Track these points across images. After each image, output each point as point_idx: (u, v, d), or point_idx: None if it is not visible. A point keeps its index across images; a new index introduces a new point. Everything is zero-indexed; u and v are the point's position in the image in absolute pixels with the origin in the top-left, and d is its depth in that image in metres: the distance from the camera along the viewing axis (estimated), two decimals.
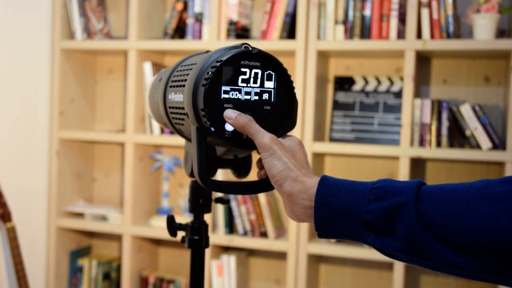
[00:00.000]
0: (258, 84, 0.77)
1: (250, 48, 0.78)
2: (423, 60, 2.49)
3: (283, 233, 2.60)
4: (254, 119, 0.76)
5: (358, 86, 2.55)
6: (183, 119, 0.82)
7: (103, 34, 2.83)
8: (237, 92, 0.76)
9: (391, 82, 2.51)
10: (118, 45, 2.73)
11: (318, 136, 2.52)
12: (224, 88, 0.75)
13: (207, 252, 2.54)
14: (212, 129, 0.75)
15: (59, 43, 2.77)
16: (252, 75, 0.77)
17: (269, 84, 0.78)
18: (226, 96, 0.76)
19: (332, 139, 2.52)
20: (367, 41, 2.35)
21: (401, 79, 2.49)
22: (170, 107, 0.86)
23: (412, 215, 0.68)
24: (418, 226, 0.67)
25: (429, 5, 2.29)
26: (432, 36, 2.29)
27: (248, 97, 0.77)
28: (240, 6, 2.55)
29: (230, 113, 0.75)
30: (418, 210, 0.68)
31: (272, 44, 2.48)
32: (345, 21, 2.40)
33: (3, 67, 2.63)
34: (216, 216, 2.57)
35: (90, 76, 2.99)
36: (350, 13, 2.39)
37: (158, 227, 2.67)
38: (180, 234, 0.93)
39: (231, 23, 2.53)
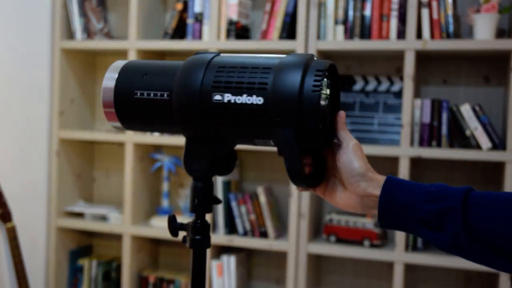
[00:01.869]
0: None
1: (317, 59, 0.88)
2: (423, 60, 2.49)
3: (283, 233, 2.60)
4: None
5: (358, 86, 2.55)
6: (249, 120, 0.86)
7: (103, 34, 2.83)
8: None
9: (391, 82, 2.51)
10: (118, 45, 2.73)
11: None
12: None
13: (207, 252, 2.54)
14: (314, 129, 0.85)
15: (59, 43, 2.77)
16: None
17: (326, 91, 0.89)
18: None
19: None
20: (367, 41, 2.35)
21: (401, 79, 2.49)
22: (222, 108, 0.87)
23: (458, 217, 0.80)
24: (463, 230, 0.79)
25: (429, 5, 2.29)
26: (432, 36, 2.29)
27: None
28: (240, 6, 2.55)
29: (345, 115, 0.94)
30: (464, 215, 0.80)
31: (272, 44, 2.48)
32: (345, 21, 2.40)
33: (3, 67, 2.63)
34: (216, 216, 2.57)
35: (90, 76, 3.00)
36: (350, 13, 2.39)
37: (158, 227, 2.67)
38: (181, 234, 0.93)
39: (231, 23, 2.54)
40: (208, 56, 0.91)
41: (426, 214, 0.83)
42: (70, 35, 2.82)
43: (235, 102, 0.86)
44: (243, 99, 0.85)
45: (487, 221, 0.79)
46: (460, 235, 0.80)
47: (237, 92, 0.86)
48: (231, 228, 2.58)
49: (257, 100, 0.85)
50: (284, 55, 0.88)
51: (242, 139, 0.91)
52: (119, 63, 0.97)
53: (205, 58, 0.91)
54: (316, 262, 2.62)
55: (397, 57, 2.46)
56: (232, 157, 0.96)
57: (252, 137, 0.89)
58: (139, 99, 0.93)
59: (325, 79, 0.88)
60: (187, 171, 0.92)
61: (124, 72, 0.95)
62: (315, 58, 0.89)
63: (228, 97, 0.86)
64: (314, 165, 0.92)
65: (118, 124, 0.96)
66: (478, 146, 2.28)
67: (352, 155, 0.89)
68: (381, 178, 0.89)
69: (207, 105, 0.87)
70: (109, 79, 0.95)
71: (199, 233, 0.91)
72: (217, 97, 0.87)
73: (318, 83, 0.83)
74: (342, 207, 0.92)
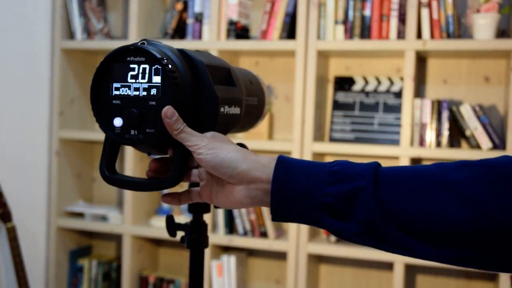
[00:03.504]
0: (146, 80, 0.78)
1: (140, 44, 0.78)
2: (423, 60, 2.49)
3: (283, 233, 2.60)
4: (141, 114, 0.77)
5: (358, 86, 2.55)
6: None
7: (103, 34, 2.83)
8: (127, 89, 0.79)
9: (391, 82, 2.51)
10: (118, 45, 2.72)
11: (318, 136, 2.52)
12: (115, 85, 0.79)
13: (207, 252, 2.54)
14: (101, 125, 0.79)
15: (59, 43, 2.77)
16: (141, 70, 0.78)
17: (157, 79, 0.77)
18: (116, 92, 0.79)
19: (332, 139, 2.52)
20: (367, 41, 2.35)
21: (401, 79, 2.49)
22: None
23: (371, 200, 0.67)
24: (376, 211, 0.67)
25: (429, 5, 2.29)
26: (432, 36, 2.29)
27: (137, 93, 0.78)
28: (240, 6, 2.55)
29: (171, 112, 0.75)
30: (377, 195, 0.67)
31: (272, 44, 2.48)
32: (345, 21, 2.40)
33: (3, 67, 2.63)
34: (216, 216, 2.57)
35: (90, 76, 2.99)
36: (350, 13, 2.39)
37: (158, 227, 2.67)
38: (179, 234, 0.93)
39: (231, 23, 2.53)
40: None
41: (330, 198, 0.68)
42: (70, 35, 2.82)
43: None
44: None
45: (404, 201, 0.67)
46: (374, 219, 0.67)
47: None
48: (231, 228, 2.58)
49: None
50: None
51: None
52: None
53: None
54: (316, 262, 2.62)
55: (397, 57, 2.46)
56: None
57: None
58: None
59: (143, 66, 0.78)
60: None
61: None
62: (141, 43, 0.78)
63: None
64: (160, 170, 0.81)
65: None
66: (478, 146, 2.28)
67: (210, 151, 0.73)
68: (268, 159, 0.74)
69: None
70: None
71: (197, 233, 0.91)
72: None
73: (95, 73, 0.80)
74: (229, 207, 0.77)
